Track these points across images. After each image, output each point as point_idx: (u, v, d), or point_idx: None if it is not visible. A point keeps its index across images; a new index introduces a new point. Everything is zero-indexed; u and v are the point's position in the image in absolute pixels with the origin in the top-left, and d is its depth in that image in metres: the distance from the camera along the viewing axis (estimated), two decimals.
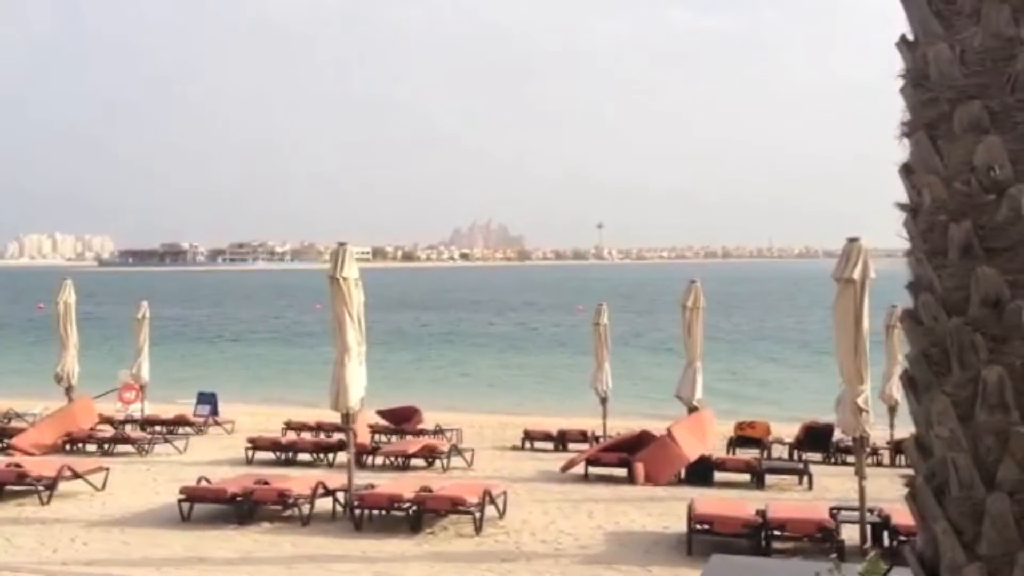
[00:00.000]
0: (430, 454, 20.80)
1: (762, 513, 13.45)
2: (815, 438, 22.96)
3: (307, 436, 23.81)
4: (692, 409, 21.35)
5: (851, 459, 18.83)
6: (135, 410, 27.02)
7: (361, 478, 16.22)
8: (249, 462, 20.77)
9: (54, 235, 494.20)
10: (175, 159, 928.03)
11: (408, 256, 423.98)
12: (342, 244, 15.34)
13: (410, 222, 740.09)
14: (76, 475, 16.57)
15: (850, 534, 13.20)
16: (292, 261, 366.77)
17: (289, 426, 24.86)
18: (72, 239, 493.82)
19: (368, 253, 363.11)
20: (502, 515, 15.00)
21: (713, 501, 14.99)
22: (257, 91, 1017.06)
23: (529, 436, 24.66)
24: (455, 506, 14.21)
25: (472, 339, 73.66)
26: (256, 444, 21.50)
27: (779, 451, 23.09)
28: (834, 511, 13.77)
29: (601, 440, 22.95)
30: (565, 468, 19.84)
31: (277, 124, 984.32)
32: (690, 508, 13.59)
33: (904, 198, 4.98)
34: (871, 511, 13.48)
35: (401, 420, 25.18)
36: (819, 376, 38.87)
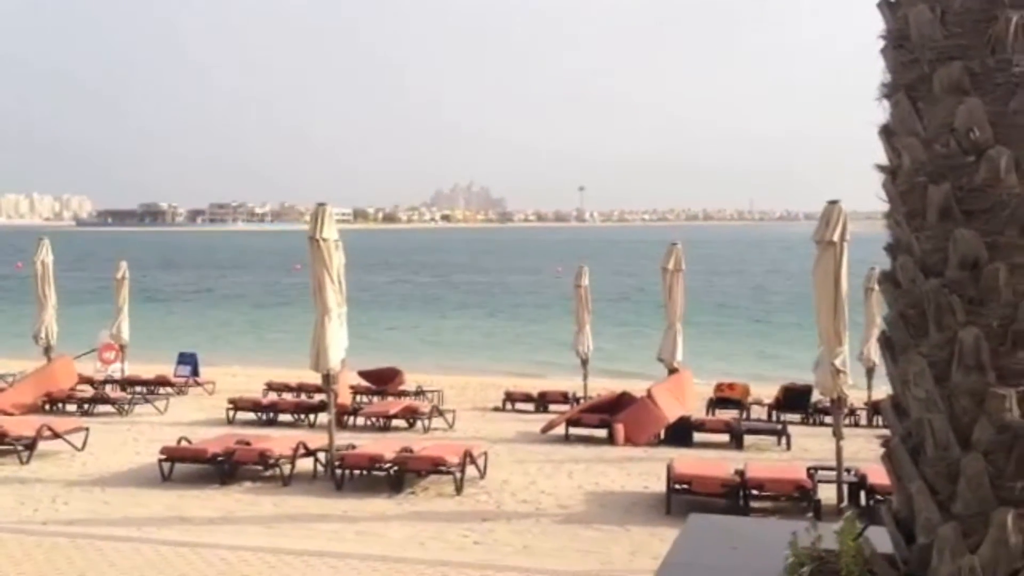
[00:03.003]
0: (411, 415, 20.84)
1: (740, 473, 13.55)
2: (793, 399, 23.13)
3: (288, 397, 23.80)
4: (672, 371, 21.44)
5: (829, 420, 18.95)
6: (115, 370, 26.94)
7: (342, 439, 16.26)
8: (230, 422, 20.77)
9: (31, 195, 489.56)
10: (155, 119, 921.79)
11: (389, 218, 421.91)
12: (322, 205, 15.26)
13: (391, 184, 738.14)
14: (56, 435, 16.51)
15: (827, 494, 13.31)
16: (272, 222, 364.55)
17: (270, 387, 24.83)
18: (50, 199, 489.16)
19: (349, 215, 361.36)
20: (483, 475, 15.06)
21: (692, 461, 15.10)
22: (238, 51, 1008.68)
23: (510, 397, 24.74)
24: (436, 466, 14.26)
25: (452, 300, 73.68)
26: (237, 405, 21.49)
27: (758, 412, 23.25)
28: (811, 471, 13.88)
29: (582, 401, 23.04)
30: (546, 429, 19.92)
31: (258, 84, 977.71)
32: (669, 468, 13.67)
33: (884, 160, 4.99)
34: (848, 471, 13.60)
35: (382, 381, 25.19)
36: (798, 337, 39.10)
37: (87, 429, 17.24)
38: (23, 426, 16.90)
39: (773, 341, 47.26)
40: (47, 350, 23.24)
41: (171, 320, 54.48)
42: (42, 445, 16.28)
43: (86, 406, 22.34)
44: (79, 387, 23.98)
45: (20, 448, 15.95)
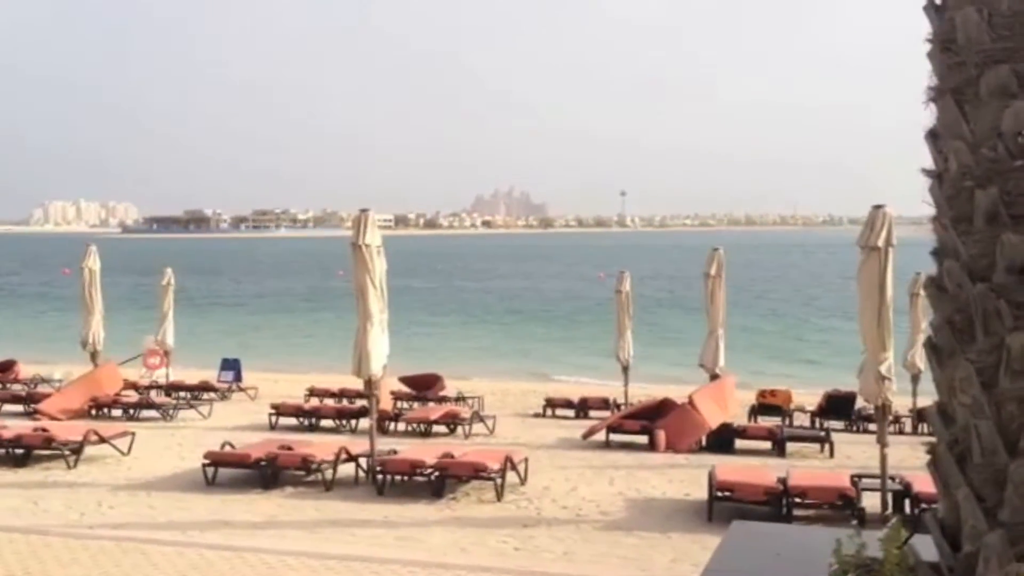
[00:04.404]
0: (452, 421, 20.90)
1: (783, 480, 13.44)
2: (837, 406, 22.96)
3: (330, 402, 23.96)
4: (714, 376, 21.32)
5: (873, 427, 18.78)
6: (160, 376, 27.25)
7: (383, 444, 16.32)
8: (272, 428, 20.93)
9: (78, 202, 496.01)
10: (199, 127, 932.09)
11: (430, 224, 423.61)
12: (364, 211, 15.32)
13: (432, 190, 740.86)
14: (102, 440, 16.70)
15: (871, 502, 13.17)
16: (314, 228, 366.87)
17: (312, 392, 25.01)
18: (96, 206, 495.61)
19: (390, 220, 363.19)
20: (523, 481, 15.06)
21: (734, 468, 14.96)
22: (281, 58, 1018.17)
23: (551, 403, 24.74)
24: (477, 472, 14.26)
25: (494, 306, 73.73)
26: (279, 410, 21.65)
27: (801, 419, 23.07)
28: (855, 479, 13.73)
29: (622, 407, 22.98)
30: (586, 435, 19.88)
31: (301, 93, 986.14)
32: (711, 475, 13.60)
33: (930, 164, 4.94)
34: (892, 479, 13.44)
35: (423, 387, 25.29)
36: (842, 343, 38.73)
37: (133, 434, 17.44)
38: (70, 431, 17.10)
39: (817, 346, 46.87)
40: (94, 355, 23.51)
41: (215, 326, 54.91)
42: (89, 450, 16.47)
43: (132, 411, 22.63)
44: (124, 392, 24.26)
45: (67, 453, 16.15)
